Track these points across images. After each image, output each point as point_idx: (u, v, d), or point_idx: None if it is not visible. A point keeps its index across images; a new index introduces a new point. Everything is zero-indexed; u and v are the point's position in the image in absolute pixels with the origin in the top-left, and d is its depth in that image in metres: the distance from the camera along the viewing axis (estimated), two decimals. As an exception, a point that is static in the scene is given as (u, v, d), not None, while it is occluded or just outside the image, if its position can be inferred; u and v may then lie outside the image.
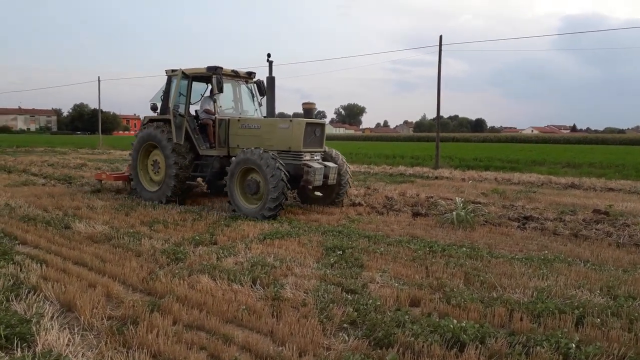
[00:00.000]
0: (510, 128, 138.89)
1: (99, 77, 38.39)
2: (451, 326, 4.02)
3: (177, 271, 5.56)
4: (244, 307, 4.44)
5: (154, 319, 4.12)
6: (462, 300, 4.73)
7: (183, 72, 10.61)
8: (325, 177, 9.68)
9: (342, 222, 8.86)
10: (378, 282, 5.40)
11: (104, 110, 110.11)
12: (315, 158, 9.93)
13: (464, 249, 6.87)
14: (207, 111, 10.65)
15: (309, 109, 9.93)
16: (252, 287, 5.12)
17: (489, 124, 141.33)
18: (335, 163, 10.23)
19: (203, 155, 10.54)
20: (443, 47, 22.40)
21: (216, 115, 10.47)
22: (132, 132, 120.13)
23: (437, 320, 4.26)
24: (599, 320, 4.23)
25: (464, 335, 3.88)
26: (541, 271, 5.81)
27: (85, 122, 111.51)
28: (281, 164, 8.90)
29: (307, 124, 9.52)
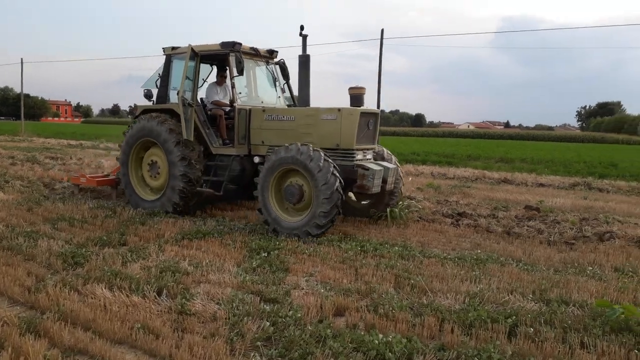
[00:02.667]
0: (448, 123, 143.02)
1: (22, 59, 35.51)
2: (376, 342, 3.60)
3: (70, 279, 4.81)
4: (139, 325, 3.81)
5: (24, 343, 3.41)
6: (391, 308, 4.33)
7: (192, 50, 8.42)
8: (384, 181, 7.74)
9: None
10: (303, 289, 4.91)
11: (31, 94, 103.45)
12: (368, 157, 7.93)
13: (397, 248, 6.53)
14: (215, 102, 8.77)
15: (358, 95, 7.68)
16: (156, 298, 4.48)
17: (428, 119, 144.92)
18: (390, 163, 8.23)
19: (216, 154, 8.41)
20: (385, 42, 22.29)
21: (235, 105, 8.18)
22: (62, 119, 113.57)
23: (362, 333, 3.83)
24: (532, 329, 3.95)
25: (390, 354, 3.47)
26: (473, 273, 5.54)
27: (10, 106, 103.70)
28: (336, 167, 6.95)
29: (362, 114, 7.49)
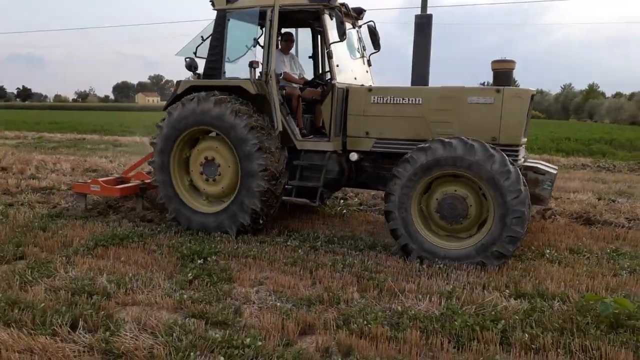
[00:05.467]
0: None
1: None
2: (363, 373, 2.95)
3: (-54, 318, 3.65)
4: (51, 384, 2.85)
5: None
6: (365, 322, 3.70)
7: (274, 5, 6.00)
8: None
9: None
10: (254, 303, 4.15)
11: None
12: (524, 156, 6.04)
13: (350, 241, 5.93)
14: (287, 77, 6.63)
15: (506, 72, 5.69)
16: (70, 333, 3.48)
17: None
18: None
19: (302, 150, 6.21)
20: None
21: (335, 82, 6.06)
22: None
23: (340, 360, 3.17)
24: (527, 336, 3.50)
25: (384, 389, 2.83)
26: (437, 265, 5.07)
27: None
28: (520, 173, 5.08)
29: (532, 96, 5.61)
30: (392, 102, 5.98)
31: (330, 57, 6.08)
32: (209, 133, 6.44)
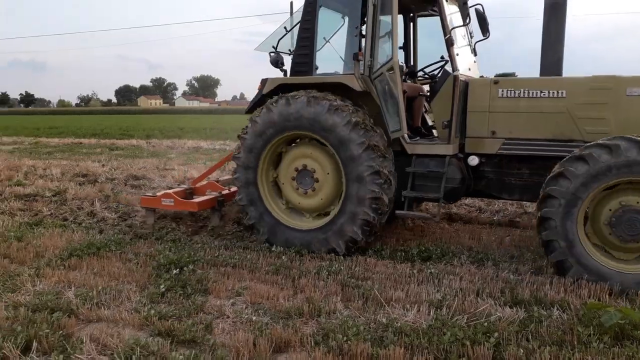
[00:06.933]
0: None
1: None
2: (336, 399, 2.64)
3: None
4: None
5: None
6: (345, 338, 3.39)
7: None
8: None
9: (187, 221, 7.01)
10: (228, 317, 3.84)
11: None
12: None
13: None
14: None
15: None
16: (21, 357, 3.20)
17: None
18: None
19: (413, 155, 5.42)
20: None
21: (456, 74, 5.28)
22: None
23: (314, 383, 2.87)
24: (522, 351, 3.18)
25: (358, 419, 2.52)
26: (428, 271, 4.75)
27: None
28: None
29: None
30: (526, 95, 5.15)
31: (451, 44, 5.33)
32: (295, 140, 5.81)
